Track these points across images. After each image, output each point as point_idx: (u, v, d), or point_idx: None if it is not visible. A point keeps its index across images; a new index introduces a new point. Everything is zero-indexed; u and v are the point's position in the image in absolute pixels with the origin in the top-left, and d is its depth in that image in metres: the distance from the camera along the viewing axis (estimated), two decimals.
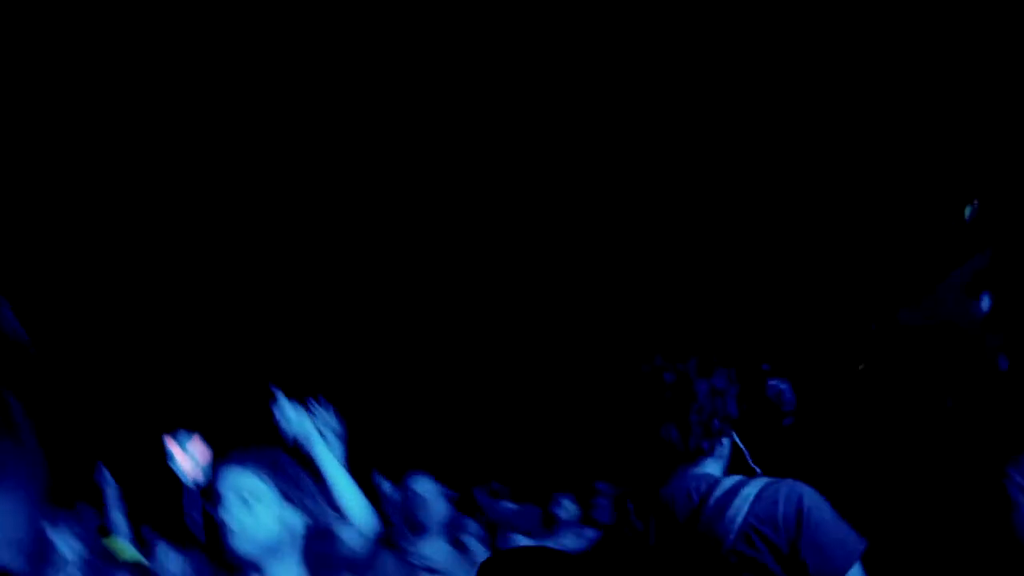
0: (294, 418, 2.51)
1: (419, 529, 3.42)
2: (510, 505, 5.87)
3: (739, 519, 1.65)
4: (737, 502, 1.67)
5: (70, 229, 7.07)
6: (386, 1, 6.53)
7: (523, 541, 4.92)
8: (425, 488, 3.46)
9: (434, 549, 3.42)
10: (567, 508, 5.48)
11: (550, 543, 5.23)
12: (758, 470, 1.86)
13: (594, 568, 1.92)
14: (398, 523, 3.53)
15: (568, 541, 5.29)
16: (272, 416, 2.58)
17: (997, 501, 2.08)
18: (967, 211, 4.03)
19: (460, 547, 3.50)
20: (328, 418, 2.73)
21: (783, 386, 4.58)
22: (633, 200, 7.65)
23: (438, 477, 3.74)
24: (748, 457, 1.88)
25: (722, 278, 7.44)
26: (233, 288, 7.67)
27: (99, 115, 6.77)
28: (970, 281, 2.86)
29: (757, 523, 1.63)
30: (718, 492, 1.73)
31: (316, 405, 2.74)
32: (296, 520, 1.95)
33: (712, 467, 1.86)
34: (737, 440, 1.89)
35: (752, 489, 1.70)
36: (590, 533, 5.84)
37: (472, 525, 5.10)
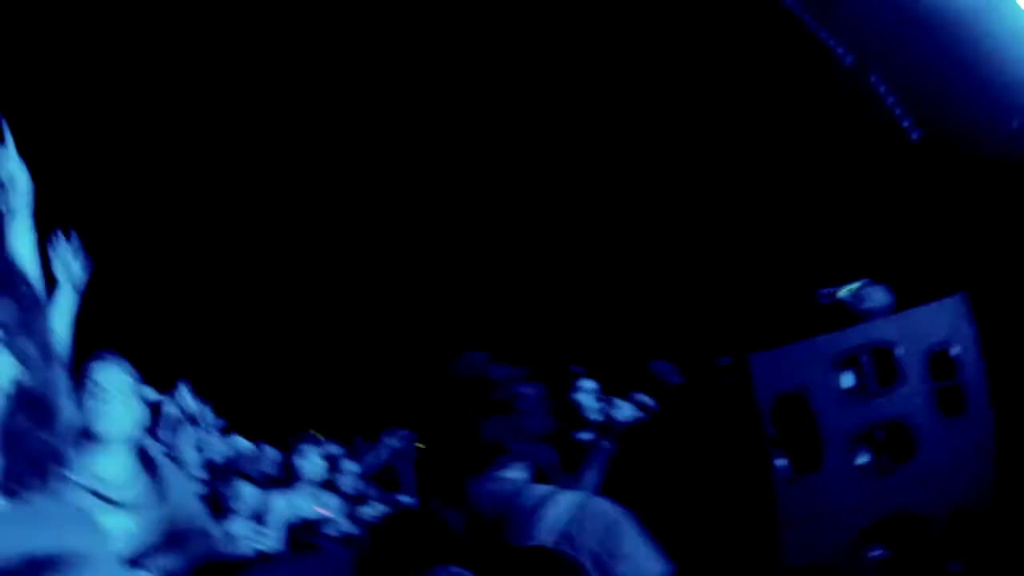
0: None
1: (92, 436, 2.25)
2: (243, 442, 4.72)
3: (562, 523, 1.68)
4: (558, 509, 1.71)
5: None
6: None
7: (245, 488, 3.81)
8: (116, 383, 2.29)
9: (109, 465, 2.28)
10: (312, 462, 4.42)
11: (278, 495, 4.17)
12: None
13: (406, 554, 1.78)
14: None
15: (300, 500, 4.25)
16: None
17: None
18: (845, 289, 3.59)
19: (150, 470, 2.37)
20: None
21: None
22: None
23: (151, 377, 2.60)
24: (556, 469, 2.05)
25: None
26: None
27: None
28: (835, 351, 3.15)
29: (578, 530, 1.67)
30: (536, 497, 1.75)
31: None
32: None
33: (517, 473, 1.85)
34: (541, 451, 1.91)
35: (574, 498, 1.74)
36: (328, 499, 4.85)
37: (187, 453, 3.90)
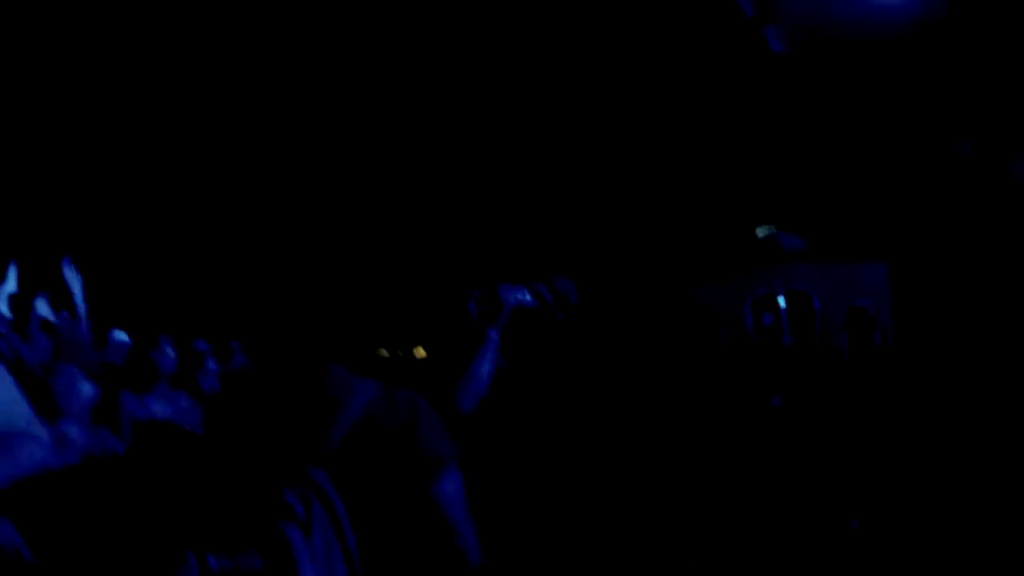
0: None
1: None
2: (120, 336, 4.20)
3: (372, 406, 2.10)
4: (368, 395, 2.12)
5: None
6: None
7: (86, 385, 3.31)
8: None
9: None
10: (171, 359, 3.97)
11: (127, 394, 3.70)
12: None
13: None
14: None
15: (156, 406, 3.80)
16: None
17: None
18: (761, 230, 3.49)
19: None
20: None
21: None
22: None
23: None
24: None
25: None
26: None
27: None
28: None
29: (384, 413, 2.08)
30: (354, 385, 2.17)
31: None
32: None
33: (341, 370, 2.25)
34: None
35: (381, 387, 2.15)
36: (183, 402, 4.40)
37: (11, 340, 3.36)
